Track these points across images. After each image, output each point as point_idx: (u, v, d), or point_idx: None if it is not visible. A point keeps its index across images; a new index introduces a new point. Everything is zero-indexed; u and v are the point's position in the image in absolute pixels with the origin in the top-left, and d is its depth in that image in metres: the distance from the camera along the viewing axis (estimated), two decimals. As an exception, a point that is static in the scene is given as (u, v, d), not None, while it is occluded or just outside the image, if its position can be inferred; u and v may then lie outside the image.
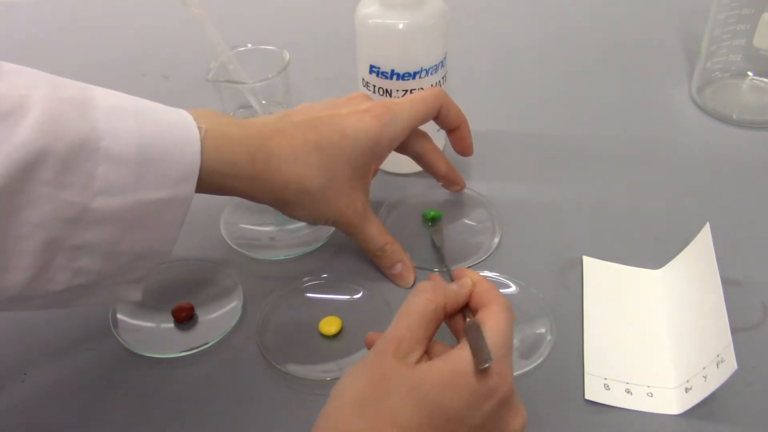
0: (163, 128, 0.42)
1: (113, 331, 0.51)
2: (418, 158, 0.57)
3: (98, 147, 0.39)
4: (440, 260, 0.55)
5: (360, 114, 0.50)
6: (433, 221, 0.59)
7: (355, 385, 0.37)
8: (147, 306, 0.53)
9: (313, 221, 0.52)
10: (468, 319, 0.41)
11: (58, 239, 0.39)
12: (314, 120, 0.49)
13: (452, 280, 0.43)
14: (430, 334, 0.40)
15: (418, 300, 0.40)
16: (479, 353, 0.37)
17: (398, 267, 0.54)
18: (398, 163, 0.65)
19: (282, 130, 0.48)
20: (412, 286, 0.54)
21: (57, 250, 0.39)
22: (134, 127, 0.41)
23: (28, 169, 0.36)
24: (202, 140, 0.43)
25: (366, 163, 0.51)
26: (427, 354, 0.39)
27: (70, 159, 0.38)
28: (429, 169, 0.58)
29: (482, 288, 0.42)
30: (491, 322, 0.39)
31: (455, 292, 0.42)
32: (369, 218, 0.53)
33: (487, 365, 0.36)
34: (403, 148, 0.56)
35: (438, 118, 0.55)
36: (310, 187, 0.48)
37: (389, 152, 0.54)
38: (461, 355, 0.37)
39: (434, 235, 0.57)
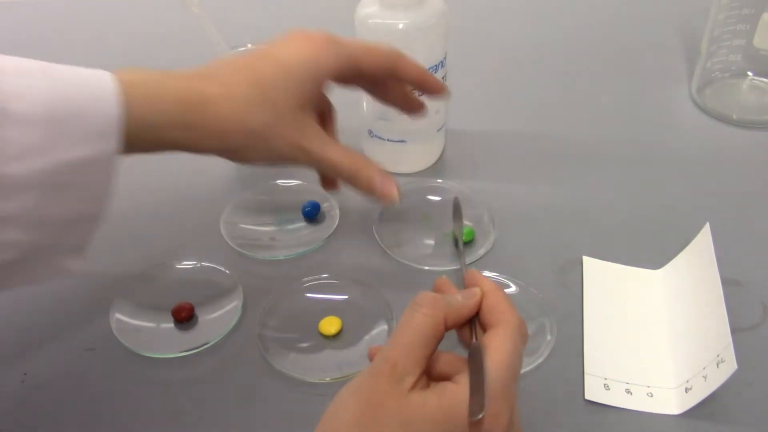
0: (75, 85, 0.40)
1: (113, 331, 0.51)
2: (373, 81, 0.53)
3: (6, 110, 0.37)
4: (459, 257, 0.53)
5: (295, 43, 0.47)
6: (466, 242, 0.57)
7: (349, 408, 0.36)
8: (147, 306, 0.53)
9: (268, 162, 0.48)
10: (474, 341, 0.39)
11: None
12: (247, 58, 0.47)
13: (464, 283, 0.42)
14: (428, 353, 0.38)
15: (416, 316, 0.38)
16: (474, 397, 0.35)
17: (377, 180, 0.49)
18: (398, 163, 0.65)
19: (214, 74, 0.45)
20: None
21: None
22: (43, 87, 0.38)
23: None
24: (126, 92, 0.40)
25: (309, 90, 0.47)
26: (427, 374, 0.38)
27: None
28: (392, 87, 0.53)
29: (493, 302, 0.40)
30: (494, 353, 0.37)
31: (460, 304, 0.40)
32: (328, 142, 0.48)
33: (479, 416, 0.34)
34: (356, 77, 0.51)
35: (395, 79, 0.51)
36: (256, 126, 0.45)
37: (334, 78, 0.49)
38: (457, 393, 0.35)
39: (456, 229, 0.54)
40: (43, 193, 0.38)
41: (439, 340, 0.39)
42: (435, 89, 0.53)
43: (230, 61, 0.47)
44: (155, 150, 0.43)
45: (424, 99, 0.55)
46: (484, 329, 0.40)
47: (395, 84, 0.53)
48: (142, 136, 0.42)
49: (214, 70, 0.46)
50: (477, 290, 0.41)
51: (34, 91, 0.38)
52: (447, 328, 0.39)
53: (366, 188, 0.49)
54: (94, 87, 0.40)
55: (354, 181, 0.49)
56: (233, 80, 0.45)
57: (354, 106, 0.64)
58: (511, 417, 0.36)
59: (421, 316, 0.38)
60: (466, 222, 0.57)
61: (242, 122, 0.45)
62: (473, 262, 0.56)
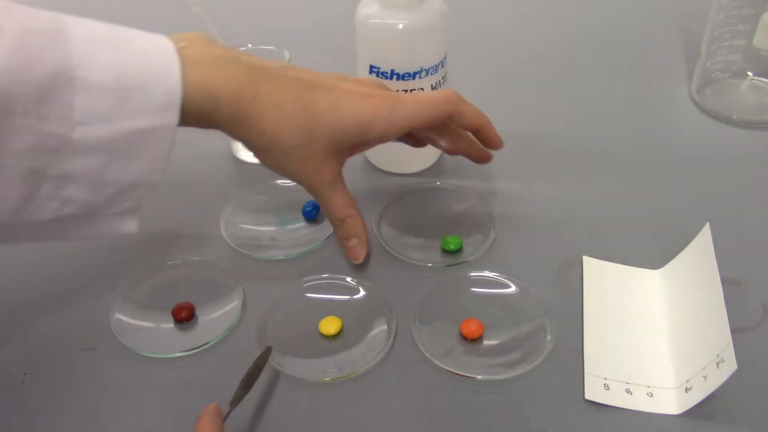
0: (142, 56, 0.42)
1: (113, 331, 0.51)
2: (435, 138, 0.56)
3: (74, 77, 0.38)
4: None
5: (359, 95, 0.49)
6: (454, 252, 0.57)
7: None
8: (147, 306, 0.53)
9: (281, 174, 0.51)
10: None
11: (41, 169, 0.39)
12: (312, 82, 0.48)
13: None
14: None
15: None
16: None
17: (353, 242, 0.54)
18: (398, 162, 0.65)
19: (277, 79, 0.47)
20: (364, 262, 0.55)
21: (41, 179, 0.39)
22: (111, 55, 0.40)
23: (3, 100, 0.36)
24: (186, 71, 0.42)
25: (348, 141, 0.50)
26: None
27: (46, 90, 0.37)
28: (453, 141, 0.56)
29: None
30: None
31: None
32: (336, 189, 0.52)
33: None
34: (412, 138, 0.56)
35: (453, 120, 0.53)
36: (285, 143, 0.47)
37: (378, 143, 0.53)
38: None
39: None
40: (104, 157, 0.41)
41: None
42: (492, 142, 0.55)
43: (296, 76, 0.48)
44: (199, 126, 0.46)
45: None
46: None
47: (456, 130, 0.55)
48: (194, 113, 0.44)
49: (280, 73, 0.48)
50: None
51: (102, 59, 0.40)
52: None
53: (342, 241, 0.54)
54: (159, 60, 0.42)
55: (338, 230, 0.54)
56: (288, 96, 0.47)
57: (354, 106, 0.64)
58: None
59: None
60: (454, 234, 0.58)
61: (276, 134, 0.47)
62: (471, 259, 0.56)
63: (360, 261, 0.55)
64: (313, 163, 0.49)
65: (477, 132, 0.55)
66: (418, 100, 0.52)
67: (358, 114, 0.49)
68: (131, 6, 0.96)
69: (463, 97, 0.53)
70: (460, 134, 0.56)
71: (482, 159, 0.57)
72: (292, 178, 0.51)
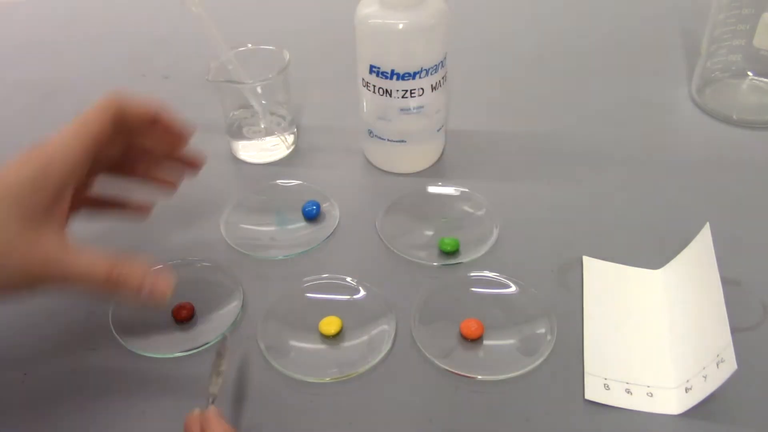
0: None
1: (113, 331, 0.51)
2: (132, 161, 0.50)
3: None
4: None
5: (20, 159, 0.43)
6: (451, 253, 0.57)
7: None
8: (147, 306, 0.53)
9: (10, 292, 0.43)
10: None
11: None
12: None
13: None
14: None
15: None
16: None
17: (146, 287, 0.45)
18: (398, 162, 0.65)
19: None
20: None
21: None
22: None
23: None
24: None
25: (35, 210, 0.42)
26: None
27: None
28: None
29: None
30: None
31: None
32: (70, 252, 0.43)
33: None
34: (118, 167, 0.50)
35: (122, 124, 0.47)
36: None
37: (67, 191, 0.44)
38: None
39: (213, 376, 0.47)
40: None
41: None
42: (178, 136, 0.50)
43: None
44: None
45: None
46: None
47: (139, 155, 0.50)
48: None
49: None
50: None
51: None
52: None
53: (135, 296, 0.45)
54: None
55: (117, 288, 0.44)
56: None
57: (354, 106, 0.64)
58: None
59: None
60: (453, 235, 0.57)
61: None
62: (472, 258, 0.56)
63: (167, 297, 0.46)
64: (20, 253, 0.42)
65: (154, 124, 0.48)
66: (71, 131, 0.45)
67: (21, 172, 0.42)
68: (132, 6, 0.96)
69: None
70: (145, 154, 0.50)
71: (194, 164, 0.51)
72: (18, 286, 0.43)
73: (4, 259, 0.42)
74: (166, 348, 0.50)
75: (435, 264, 0.56)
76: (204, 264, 0.56)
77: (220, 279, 0.55)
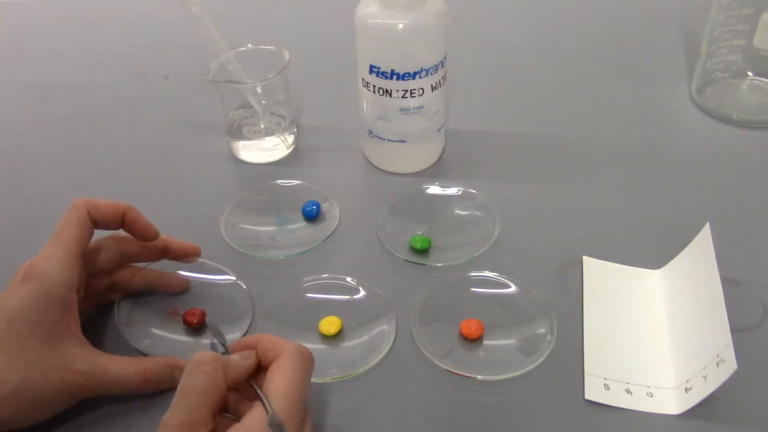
0: None
1: (119, 328, 0.51)
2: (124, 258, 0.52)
3: None
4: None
5: (14, 286, 0.44)
6: (422, 252, 0.57)
7: None
8: (150, 306, 0.53)
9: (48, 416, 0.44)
10: (269, 415, 0.37)
11: None
12: None
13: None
14: (214, 411, 0.38)
15: (196, 375, 0.38)
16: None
17: (176, 375, 0.46)
18: (398, 162, 0.65)
19: None
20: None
21: None
22: None
23: None
24: None
25: (51, 327, 0.43)
26: None
27: None
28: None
29: (267, 342, 0.41)
30: (274, 384, 0.38)
31: (237, 363, 0.40)
32: (101, 362, 0.45)
33: None
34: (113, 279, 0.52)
35: (94, 221, 0.48)
36: (9, 388, 0.41)
37: (75, 294, 0.46)
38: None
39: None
40: None
41: (223, 397, 0.39)
42: (145, 231, 0.51)
43: None
44: None
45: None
46: (267, 366, 0.40)
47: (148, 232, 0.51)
48: None
49: None
50: (252, 352, 0.41)
51: None
52: (228, 387, 0.40)
53: (169, 382, 0.47)
54: None
55: (153, 386, 0.46)
56: None
57: (354, 106, 0.64)
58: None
59: (200, 374, 0.38)
60: (421, 233, 0.58)
61: None
62: (472, 256, 0.56)
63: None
64: (51, 368, 0.43)
65: (125, 219, 0.49)
66: (58, 239, 0.46)
67: (25, 300, 0.43)
68: (131, 6, 0.96)
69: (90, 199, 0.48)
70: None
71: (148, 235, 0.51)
72: (55, 408, 0.44)
73: (44, 380, 0.42)
74: (170, 350, 0.50)
75: (438, 264, 0.56)
76: (205, 263, 0.56)
77: (230, 292, 0.55)
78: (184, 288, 0.54)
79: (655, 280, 0.54)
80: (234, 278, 0.55)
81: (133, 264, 0.53)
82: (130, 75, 0.81)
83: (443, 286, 0.54)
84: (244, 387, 0.41)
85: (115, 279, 0.52)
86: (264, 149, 0.67)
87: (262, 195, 0.63)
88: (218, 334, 0.45)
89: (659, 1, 0.91)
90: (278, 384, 0.39)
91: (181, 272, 0.55)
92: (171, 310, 0.53)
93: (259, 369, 0.41)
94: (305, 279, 0.55)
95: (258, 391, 0.39)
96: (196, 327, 0.52)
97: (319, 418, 0.46)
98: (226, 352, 0.43)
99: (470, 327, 0.50)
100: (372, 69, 0.59)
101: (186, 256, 0.55)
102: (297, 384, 0.39)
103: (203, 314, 0.52)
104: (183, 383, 0.38)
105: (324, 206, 0.61)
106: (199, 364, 0.39)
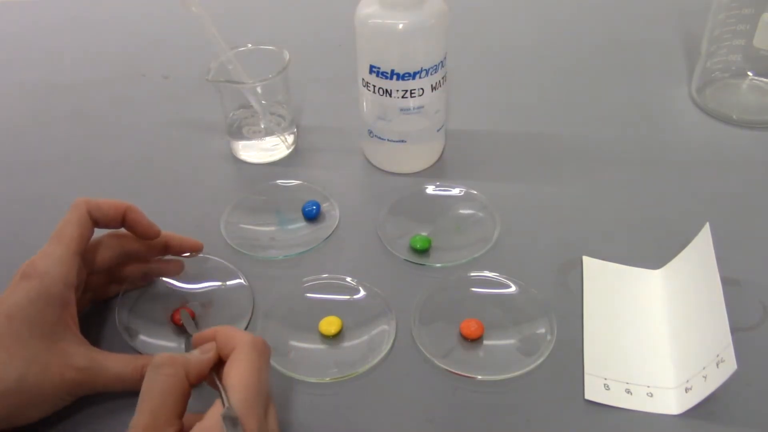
0: None
1: (118, 329, 0.51)
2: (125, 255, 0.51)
3: None
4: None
5: (16, 284, 0.44)
6: (422, 252, 0.57)
7: None
8: (149, 306, 0.53)
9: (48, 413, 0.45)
10: (224, 410, 0.37)
11: None
12: None
13: None
14: (179, 411, 0.38)
15: (157, 378, 0.38)
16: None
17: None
18: (398, 162, 0.65)
19: None
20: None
21: None
22: None
23: None
24: None
25: (49, 325, 0.44)
26: None
27: None
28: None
29: (224, 334, 0.41)
30: (232, 377, 0.38)
31: (197, 359, 0.40)
32: (99, 359, 0.45)
33: None
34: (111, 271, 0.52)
35: (95, 220, 0.48)
36: (7, 385, 0.42)
37: (74, 292, 0.46)
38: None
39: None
40: None
41: (187, 397, 0.39)
42: (146, 230, 0.51)
43: None
44: None
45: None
46: (226, 360, 0.40)
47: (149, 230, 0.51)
48: None
49: None
50: (212, 344, 0.41)
51: None
52: (191, 384, 0.39)
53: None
54: None
55: (155, 377, 0.44)
56: None
57: (354, 106, 0.64)
58: (261, 424, 0.37)
59: (162, 377, 0.38)
60: (423, 233, 0.58)
61: None
62: (473, 257, 0.56)
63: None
64: (53, 364, 0.43)
65: (126, 220, 0.50)
66: (57, 240, 0.46)
67: (27, 298, 0.44)
68: (131, 6, 0.96)
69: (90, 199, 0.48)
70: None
71: (149, 234, 0.51)
72: (56, 403, 0.45)
73: (42, 376, 0.43)
74: (167, 348, 0.50)
75: (437, 265, 0.56)
76: (209, 257, 0.56)
77: (231, 292, 0.55)
78: (181, 270, 0.55)
79: (655, 280, 0.54)
80: (234, 269, 0.55)
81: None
82: (130, 75, 0.81)
83: (443, 286, 0.54)
84: (210, 379, 0.41)
85: (114, 273, 0.52)
86: (264, 149, 0.67)
87: (262, 195, 0.63)
88: (189, 325, 0.46)
89: (659, 1, 0.91)
90: (235, 377, 0.38)
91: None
92: (176, 315, 0.52)
93: (221, 362, 0.41)
94: (305, 279, 0.55)
95: (218, 384, 0.39)
96: (183, 327, 0.52)
97: (319, 418, 0.46)
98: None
99: (470, 327, 0.50)
100: (372, 69, 0.59)
101: (187, 251, 0.55)
102: (254, 374, 0.39)
103: (192, 314, 0.52)
104: (145, 387, 0.38)
105: (324, 206, 0.61)
106: (158, 366, 0.39)
